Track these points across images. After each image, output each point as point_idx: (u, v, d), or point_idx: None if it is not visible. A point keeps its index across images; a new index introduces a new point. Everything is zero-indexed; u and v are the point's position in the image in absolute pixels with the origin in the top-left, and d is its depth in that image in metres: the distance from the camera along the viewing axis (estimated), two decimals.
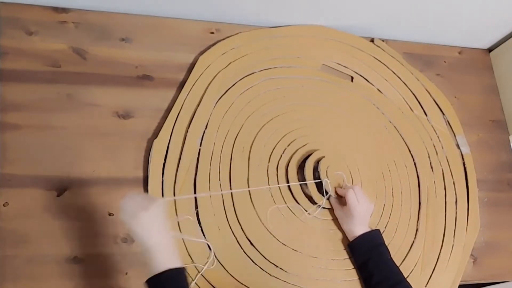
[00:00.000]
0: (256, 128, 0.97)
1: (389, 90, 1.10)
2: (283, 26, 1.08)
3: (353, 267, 0.91)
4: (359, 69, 1.10)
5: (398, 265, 0.88)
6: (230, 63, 1.01)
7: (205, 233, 0.86)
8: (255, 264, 0.87)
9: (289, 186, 0.93)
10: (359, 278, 0.90)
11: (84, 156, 0.87)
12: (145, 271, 0.68)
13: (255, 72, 1.02)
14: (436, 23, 1.13)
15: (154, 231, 0.68)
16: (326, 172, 0.93)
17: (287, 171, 0.95)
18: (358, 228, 0.89)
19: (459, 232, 1.01)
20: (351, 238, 0.90)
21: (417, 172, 1.04)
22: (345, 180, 0.95)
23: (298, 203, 0.93)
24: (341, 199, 0.93)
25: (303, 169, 0.93)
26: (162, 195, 0.87)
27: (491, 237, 1.04)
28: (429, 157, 1.06)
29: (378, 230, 0.91)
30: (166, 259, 0.67)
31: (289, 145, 0.97)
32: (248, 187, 0.91)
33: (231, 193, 0.90)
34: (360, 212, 0.88)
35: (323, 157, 0.95)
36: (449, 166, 1.06)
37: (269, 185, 0.93)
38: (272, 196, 0.92)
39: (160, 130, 0.91)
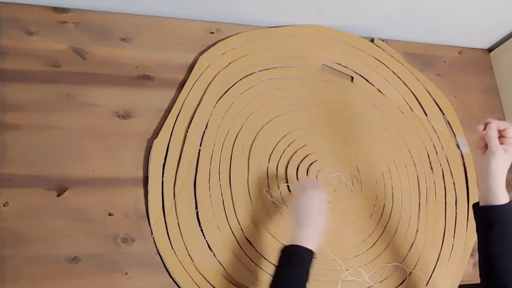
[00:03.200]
0: (256, 128, 0.97)
1: (389, 90, 1.10)
2: (283, 26, 1.08)
3: (352, 267, 0.91)
4: (359, 69, 1.10)
5: (398, 264, 0.88)
6: (230, 63, 1.01)
7: (205, 233, 0.86)
8: (255, 264, 0.87)
9: (288, 186, 0.93)
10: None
11: (84, 156, 0.87)
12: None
13: (255, 72, 1.02)
14: (436, 23, 1.13)
15: (315, 211, 0.78)
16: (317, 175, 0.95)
17: (286, 172, 0.95)
18: (500, 185, 0.74)
19: (459, 232, 1.01)
20: (492, 201, 0.74)
21: (417, 172, 1.04)
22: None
23: None
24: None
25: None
26: (162, 195, 0.87)
27: None
28: (429, 157, 1.06)
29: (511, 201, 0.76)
30: (308, 239, 0.75)
31: (288, 145, 0.97)
32: (248, 187, 0.91)
33: (231, 193, 0.90)
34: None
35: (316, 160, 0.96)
36: (449, 166, 1.06)
37: (268, 185, 0.93)
38: (272, 196, 0.92)
39: (160, 130, 0.91)
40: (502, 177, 0.74)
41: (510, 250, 0.72)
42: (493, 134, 0.74)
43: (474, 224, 1.01)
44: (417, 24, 1.13)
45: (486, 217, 0.75)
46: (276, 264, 0.76)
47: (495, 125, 0.74)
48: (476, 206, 0.78)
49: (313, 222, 0.78)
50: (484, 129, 0.76)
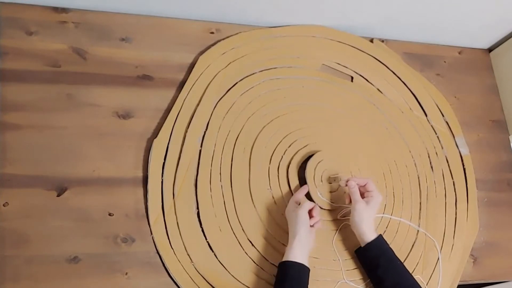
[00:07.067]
0: (257, 129, 0.97)
1: (389, 90, 1.10)
2: (283, 26, 1.08)
3: (353, 267, 0.91)
4: (359, 69, 1.10)
5: None
6: (230, 63, 1.01)
7: (206, 234, 0.86)
8: (256, 264, 0.87)
9: (289, 187, 0.93)
10: (369, 280, 0.89)
11: (84, 156, 0.87)
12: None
13: (255, 73, 1.02)
14: (436, 23, 1.13)
15: (304, 227, 0.84)
16: (321, 176, 0.95)
17: (287, 172, 0.95)
18: (370, 226, 0.88)
19: (459, 232, 1.01)
20: (362, 243, 0.88)
21: (417, 172, 1.04)
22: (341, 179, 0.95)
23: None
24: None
25: (305, 169, 0.94)
26: (162, 194, 0.87)
27: (491, 237, 1.04)
28: (429, 157, 1.06)
29: (381, 235, 0.89)
30: (299, 254, 0.82)
31: (290, 146, 0.97)
32: (249, 187, 0.91)
33: (232, 194, 0.90)
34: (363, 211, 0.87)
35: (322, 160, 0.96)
36: (449, 166, 1.06)
37: (270, 186, 0.93)
38: (273, 197, 0.92)
39: (160, 130, 0.91)
40: (369, 221, 0.87)
41: (401, 276, 0.84)
42: (353, 189, 0.88)
43: (473, 224, 1.03)
44: (417, 24, 1.13)
45: (369, 253, 0.86)
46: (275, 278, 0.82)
47: (354, 181, 0.89)
48: (357, 250, 0.89)
49: (303, 236, 0.83)
50: (346, 185, 0.89)
